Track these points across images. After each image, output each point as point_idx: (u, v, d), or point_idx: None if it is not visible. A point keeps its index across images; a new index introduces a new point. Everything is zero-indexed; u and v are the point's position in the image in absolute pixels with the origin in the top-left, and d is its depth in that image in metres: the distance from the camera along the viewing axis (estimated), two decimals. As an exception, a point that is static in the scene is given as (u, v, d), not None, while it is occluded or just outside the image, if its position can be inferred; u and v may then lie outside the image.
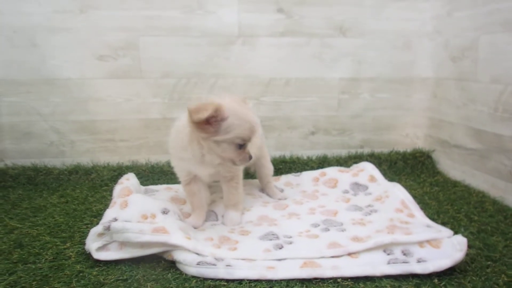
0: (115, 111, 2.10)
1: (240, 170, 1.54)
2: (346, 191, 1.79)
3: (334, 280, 1.13)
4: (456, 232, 1.29)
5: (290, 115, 2.24)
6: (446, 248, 1.18)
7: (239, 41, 2.12)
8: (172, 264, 1.21)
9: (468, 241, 1.20)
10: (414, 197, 1.62)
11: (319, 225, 1.45)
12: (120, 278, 1.14)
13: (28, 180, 1.96)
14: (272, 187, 1.81)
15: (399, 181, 1.85)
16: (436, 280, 1.12)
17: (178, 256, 1.19)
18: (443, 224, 1.46)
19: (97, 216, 1.55)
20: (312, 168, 2.11)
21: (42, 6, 1.95)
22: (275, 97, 2.21)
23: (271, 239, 1.33)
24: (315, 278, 1.14)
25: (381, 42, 2.23)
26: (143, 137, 2.16)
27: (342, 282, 1.13)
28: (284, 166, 2.15)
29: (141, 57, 2.07)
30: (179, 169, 1.50)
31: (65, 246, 1.32)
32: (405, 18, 2.22)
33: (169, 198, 1.69)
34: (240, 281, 1.13)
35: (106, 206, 1.46)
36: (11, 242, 1.34)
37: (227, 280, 1.14)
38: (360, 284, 1.12)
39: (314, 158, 2.23)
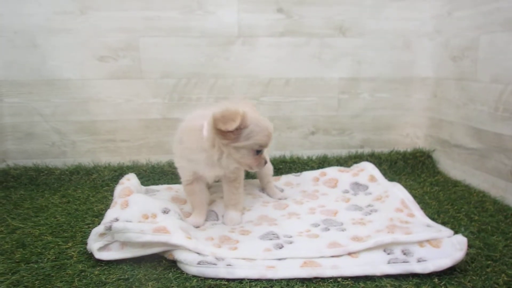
0: (115, 111, 2.11)
1: (242, 171, 1.55)
2: (346, 191, 1.80)
3: (334, 279, 1.14)
4: (456, 232, 1.29)
5: (290, 115, 2.25)
6: (446, 248, 1.18)
7: (239, 41, 2.13)
8: (173, 264, 1.22)
9: (469, 240, 1.20)
10: (415, 196, 1.63)
11: (319, 225, 1.45)
12: (122, 277, 1.15)
13: (30, 181, 1.97)
14: (272, 187, 1.82)
15: (399, 181, 1.85)
16: (436, 280, 1.13)
17: (179, 255, 1.19)
18: (444, 223, 1.46)
19: (99, 216, 1.55)
20: (312, 168, 2.11)
21: (42, 7, 1.96)
22: (275, 97, 2.22)
23: (271, 239, 1.33)
24: (315, 278, 1.14)
25: (381, 42, 2.23)
26: (143, 137, 2.17)
27: (342, 281, 1.13)
28: (284, 166, 2.16)
29: (141, 58, 2.07)
30: (185, 170, 1.49)
31: (67, 246, 1.32)
32: (405, 17, 2.22)
33: (170, 198, 1.70)
34: (240, 281, 1.14)
35: (107, 206, 1.46)
36: (14, 242, 1.35)
37: (228, 280, 1.14)
38: (360, 283, 1.12)
39: (314, 158, 2.23)
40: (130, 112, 2.13)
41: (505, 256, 1.25)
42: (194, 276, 1.16)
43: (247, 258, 1.21)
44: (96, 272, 1.17)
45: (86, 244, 1.29)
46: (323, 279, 1.14)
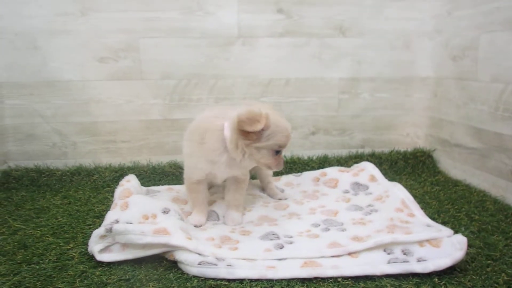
0: (116, 112, 2.12)
1: (248, 172, 1.56)
2: (346, 191, 1.80)
3: (334, 279, 1.14)
4: (456, 231, 1.29)
5: (290, 115, 2.25)
6: (446, 247, 1.18)
7: (239, 41, 2.13)
8: (174, 264, 1.22)
9: (469, 240, 1.20)
10: (415, 196, 1.63)
11: (319, 225, 1.46)
12: (123, 278, 1.15)
13: (31, 182, 1.97)
14: (272, 187, 1.82)
15: (400, 181, 1.85)
16: (436, 279, 1.13)
17: (180, 256, 1.20)
18: (444, 223, 1.46)
19: (100, 217, 1.56)
20: (313, 168, 2.11)
21: (43, 9, 1.96)
22: (275, 98, 2.22)
23: (271, 239, 1.34)
24: (316, 278, 1.15)
25: (381, 41, 2.24)
26: (144, 138, 2.17)
27: (343, 281, 1.13)
28: (284, 166, 2.15)
29: (142, 59, 2.08)
30: (200, 170, 1.46)
31: (68, 247, 1.33)
32: (405, 17, 2.22)
33: (171, 198, 1.70)
34: (241, 281, 1.14)
35: (108, 207, 1.47)
36: (15, 243, 1.35)
37: (228, 280, 1.14)
38: (360, 283, 1.12)
39: (314, 158, 2.24)
40: (130, 113, 2.13)
41: (505, 256, 1.25)
42: (194, 276, 1.16)
43: (248, 258, 1.22)
44: (97, 273, 1.17)
45: (87, 245, 1.30)
46: (323, 279, 1.14)
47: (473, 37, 1.90)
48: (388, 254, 1.21)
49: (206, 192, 1.56)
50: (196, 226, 1.45)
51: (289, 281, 1.14)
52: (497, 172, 1.79)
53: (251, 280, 1.14)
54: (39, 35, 1.99)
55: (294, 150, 2.27)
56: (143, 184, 1.89)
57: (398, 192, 1.61)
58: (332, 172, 1.93)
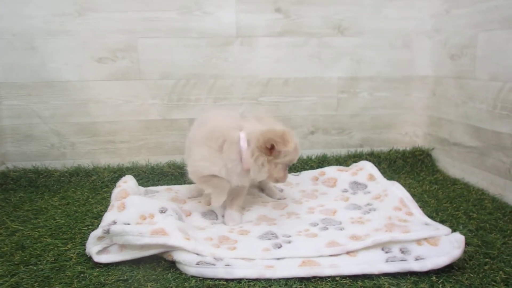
0: (114, 112, 2.12)
1: None
2: (345, 190, 1.80)
3: (332, 278, 1.14)
4: (454, 230, 1.29)
5: (289, 115, 2.25)
6: (444, 246, 1.18)
7: (238, 41, 2.13)
8: (172, 264, 1.22)
9: (467, 238, 1.21)
10: (414, 195, 1.63)
11: (318, 224, 1.46)
12: (121, 278, 1.15)
13: (29, 183, 1.97)
14: (271, 187, 1.82)
15: (398, 180, 1.85)
16: (434, 278, 1.13)
17: (178, 256, 1.20)
18: (442, 221, 1.47)
19: (98, 217, 1.56)
20: (312, 168, 2.11)
21: (41, 9, 1.96)
22: (274, 97, 2.22)
23: (270, 239, 1.34)
24: (314, 277, 1.14)
25: (379, 41, 2.23)
26: (143, 138, 2.17)
27: (341, 280, 1.13)
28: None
29: (140, 59, 2.08)
30: (212, 173, 1.47)
31: (66, 248, 1.33)
32: (404, 16, 2.22)
33: (170, 199, 1.70)
34: (239, 280, 1.14)
35: (107, 207, 1.46)
36: (13, 244, 1.35)
37: (226, 280, 1.14)
38: (358, 282, 1.12)
39: (313, 157, 2.24)
40: (129, 113, 2.13)
41: (503, 254, 1.25)
42: (193, 276, 1.16)
43: (246, 258, 1.22)
44: (95, 274, 1.17)
45: (85, 246, 1.30)
46: (321, 278, 1.14)
47: (471, 36, 1.90)
48: (386, 253, 1.21)
49: None
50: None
51: (287, 280, 1.14)
52: (495, 170, 1.79)
53: (249, 280, 1.14)
54: (37, 36, 1.99)
55: (293, 149, 2.26)
56: (142, 184, 1.89)
57: (397, 191, 1.61)
58: (331, 171, 1.93)
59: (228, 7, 2.09)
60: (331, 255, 1.22)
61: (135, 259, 1.23)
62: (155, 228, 1.24)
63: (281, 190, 1.84)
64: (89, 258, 1.25)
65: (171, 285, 1.12)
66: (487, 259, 1.22)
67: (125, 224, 1.25)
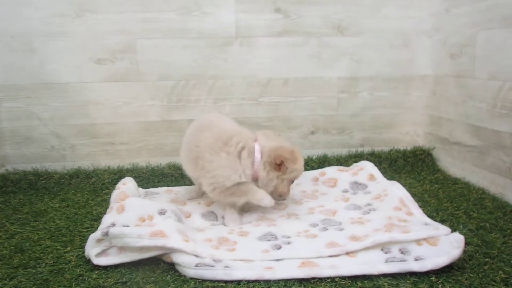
0: (114, 114, 2.11)
1: None
2: (345, 190, 1.79)
3: (331, 279, 1.14)
4: (454, 229, 1.29)
5: (289, 115, 2.24)
6: (444, 246, 1.18)
7: (237, 42, 2.13)
8: (171, 266, 1.22)
9: (467, 238, 1.20)
10: (414, 195, 1.63)
11: (317, 225, 1.45)
12: (120, 281, 1.15)
13: (29, 185, 1.97)
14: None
15: (399, 179, 1.85)
16: (433, 278, 1.12)
17: (177, 258, 1.20)
18: (442, 221, 1.46)
19: (98, 219, 1.55)
20: (312, 168, 2.11)
21: (39, 10, 1.96)
22: (273, 97, 2.22)
23: (269, 240, 1.33)
24: (313, 278, 1.14)
25: (379, 40, 2.23)
26: (142, 140, 2.17)
27: (340, 281, 1.13)
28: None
29: (139, 60, 2.08)
30: (231, 180, 1.48)
31: (65, 250, 1.33)
32: (403, 16, 2.21)
33: (170, 200, 1.71)
34: (238, 282, 1.14)
35: (107, 209, 1.46)
36: (12, 247, 1.35)
37: (226, 281, 1.14)
38: (357, 283, 1.12)
39: (314, 157, 2.23)
40: (129, 115, 2.13)
41: (503, 253, 1.25)
42: (192, 278, 1.16)
43: (245, 259, 1.21)
44: (94, 276, 1.17)
45: (84, 248, 1.30)
46: (320, 279, 1.14)
47: (471, 35, 1.89)
48: (386, 253, 1.21)
49: None
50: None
51: (286, 281, 1.14)
52: (496, 169, 1.78)
53: (248, 281, 1.14)
54: (36, 37, 1.99)
55: (293, 150, 2.26)
56: (142, 186, 1.89)
57: (397, 191, 1.60)
58: (331, 171, 1.93)
59: (228, 7, 2.09)
60: (330, 256, 1.22)
61: (134, 261, 1.23)
62: (154, 230, 1.23)
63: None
64: (88, 261, 1.25)
65: (170, 287, 1.12)
66: (487, 259, 1.22)
67: (124, 226, 1.25)
